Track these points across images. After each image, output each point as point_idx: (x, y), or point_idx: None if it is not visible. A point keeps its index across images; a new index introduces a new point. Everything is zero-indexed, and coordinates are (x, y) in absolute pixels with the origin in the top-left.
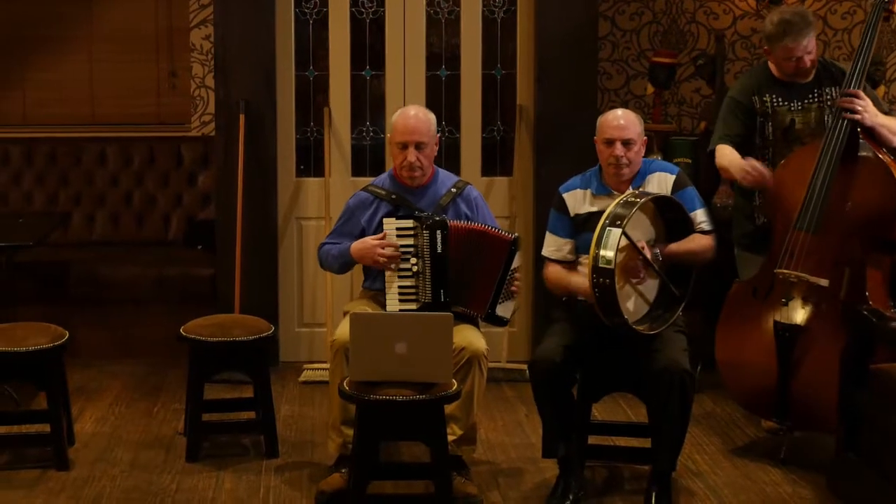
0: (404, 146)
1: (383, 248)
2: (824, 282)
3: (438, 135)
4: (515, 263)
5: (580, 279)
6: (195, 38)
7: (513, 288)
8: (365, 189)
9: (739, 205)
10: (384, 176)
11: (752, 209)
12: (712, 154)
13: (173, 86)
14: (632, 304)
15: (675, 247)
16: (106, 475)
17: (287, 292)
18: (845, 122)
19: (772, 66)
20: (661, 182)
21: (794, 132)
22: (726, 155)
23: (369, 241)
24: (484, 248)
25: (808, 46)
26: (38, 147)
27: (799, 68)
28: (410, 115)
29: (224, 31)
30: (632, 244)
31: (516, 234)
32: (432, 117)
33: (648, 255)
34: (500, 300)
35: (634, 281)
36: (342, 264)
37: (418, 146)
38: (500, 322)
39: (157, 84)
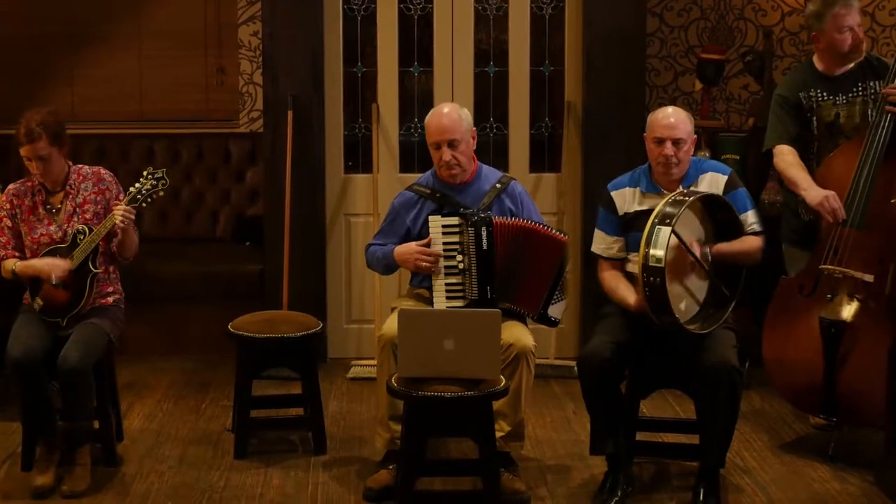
0: (438, 146)
1: (426, 255)
2: (869, 277)
3: (475, 129)
4: (567, 265)
5: (629, 294)
6: (243, 35)
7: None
8: (409, 188)
9: (788, 200)
10: (428, 174)
11: (796, 205)
12: (767, 154)
13: (221, 82)
14: (683, 305)
15: (724, 246)
16: (154, 471)
17: (335, 289)
18: (888, 116)
19: (816, 61)
20: (712, 182)
21: (839, 126)
22: (788, 160)
23: (412, 246)
24: (534, 246)
25: (857, 18)
26: (87, 143)
27: (854, 41)
28: (442, 114)
29: (272, 28)
30: (682, 243)
31: (567, 235)
32: (465, 113)
33: (698, 253)
34: (553, 301)
35: (684, 279)
36: (386, 266)
37: (451, 144)
38: (551, 323)
39: (206, 80)
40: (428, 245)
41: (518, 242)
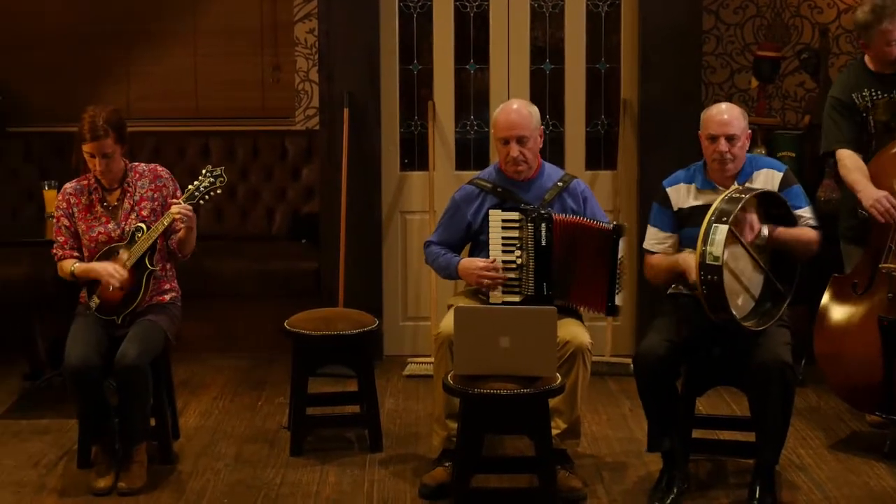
0: (506, 141)
1: (488, 272)
2: None
3: (542, 127)
4: (621, 252)
5: (685, 255)
6: (299, 32)
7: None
8: (471, 182)
9: (845, 197)
10: (490, 169)
11: (854, 203)
12: (825, 155)
13: (277, 80)
14: (740, 300)
15: (782, 230)
16: (210, 469)
17: (391, 286)
18: None
19: (868, 61)
20: (768, 179)
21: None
22: (849, 165)
23: (477, 262)
24: (587, 241)
25: None
26: (143, 141)
27: None
28: (512, 110)
29: (328, 25)
30: (738, 240)
31: (615, 223)
32: (534, 110)
33: (755, 233)
34: (617, 290)
35: (740, 275)
36: (447, 276)
37: (520, 140)
38: (617, 312)
39: (261, 78)
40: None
41: (574, 239)
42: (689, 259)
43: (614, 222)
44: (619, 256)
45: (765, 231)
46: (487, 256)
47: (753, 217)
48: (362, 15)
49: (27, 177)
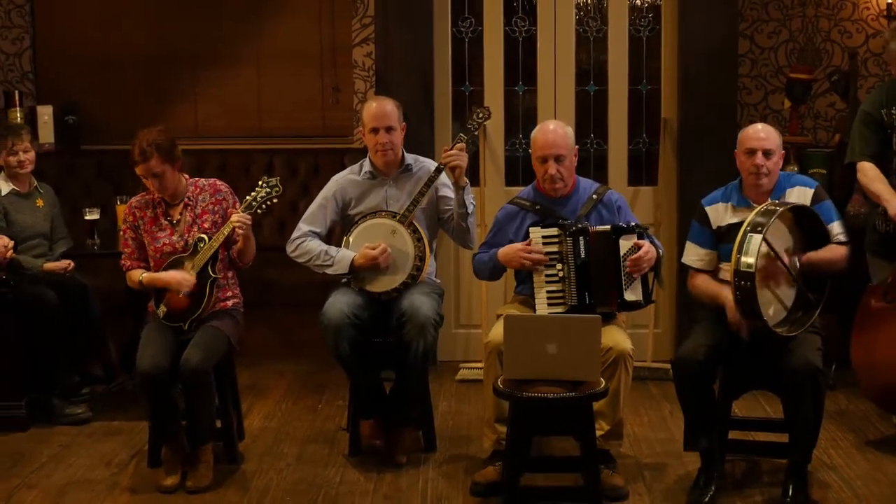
0: (544, 160)
1: (528, 252)
2: None
3: (577, 146)
4: (623, 249)
5: (724, 293)
6: (357, 56)
7: (628, 270)
8: (511, 202)
9: (871, 212)
10: (528, 188)
11: (876, 217)
12: (850, 166)
13: (336, 100)
14: (772, 310)
15: (813, 255)
16: (273, 468)
17: (444, 295)
18: None
19: None
20: (800, 195)
21: None
22: (870, 175)
23: (515, 245)
24: (605, 246)
25: None
26: (210, 158)
27: None
28: (549, 130)
29: (384, 49)
30: (772, 251)
31: (616, 224)
32: (570, 130)
33: (787, 261)
34: (624, 287)
35: (773, 286)
36: (492, 269)
37: (558, 159)
38: (636, 306)
39: (322, 99)
40: (529, 245)
41: (604, 247)
42: (730, 297)
43: (615, 223)
44: (623, 254)
45: (796, 261)
46: (529, 273)
47: (784, 253)
48: (417, 39)
49: (100, 192)
